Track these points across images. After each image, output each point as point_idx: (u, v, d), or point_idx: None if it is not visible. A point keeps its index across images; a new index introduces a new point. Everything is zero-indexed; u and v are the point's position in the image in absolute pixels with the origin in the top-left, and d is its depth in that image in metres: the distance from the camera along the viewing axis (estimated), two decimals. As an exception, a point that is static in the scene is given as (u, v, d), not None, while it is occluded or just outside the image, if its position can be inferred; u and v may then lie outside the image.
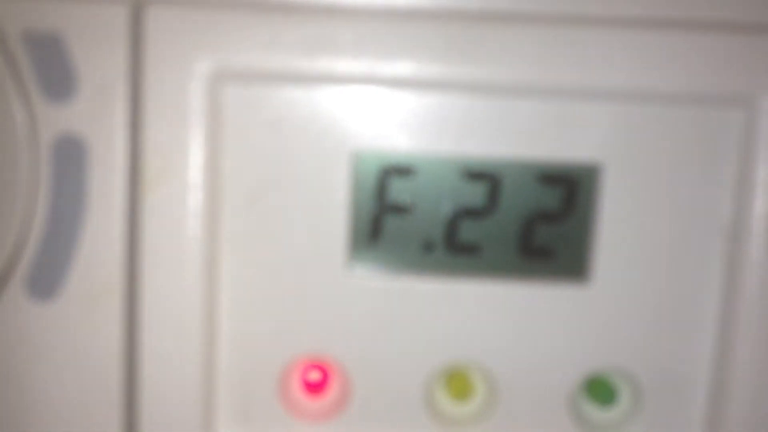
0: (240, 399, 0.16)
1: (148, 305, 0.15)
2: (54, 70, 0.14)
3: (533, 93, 0.15)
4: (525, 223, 0.16)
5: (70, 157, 0.14)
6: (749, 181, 0.15)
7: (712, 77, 0.14)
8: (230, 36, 0.14)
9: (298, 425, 0.16)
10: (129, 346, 0.15)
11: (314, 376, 0.16)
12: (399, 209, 0.16)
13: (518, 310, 0.16)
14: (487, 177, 0.16)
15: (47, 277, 0.14)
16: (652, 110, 0.15)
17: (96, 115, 0.14)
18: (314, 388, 0.16)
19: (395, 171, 0.16)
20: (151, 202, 0.15)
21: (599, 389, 0.16)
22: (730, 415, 0.15)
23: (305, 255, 0.16)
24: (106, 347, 0.15)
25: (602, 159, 0.15)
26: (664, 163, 0.15)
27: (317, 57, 0.15)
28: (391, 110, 0.15)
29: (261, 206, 0.15)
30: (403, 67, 0.15)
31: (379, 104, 0.15)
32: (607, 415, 0.16)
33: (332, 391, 0.16)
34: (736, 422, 0.15)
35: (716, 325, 0.15)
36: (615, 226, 0.16)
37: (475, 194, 0.16)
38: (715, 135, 0.15)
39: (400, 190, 0.16)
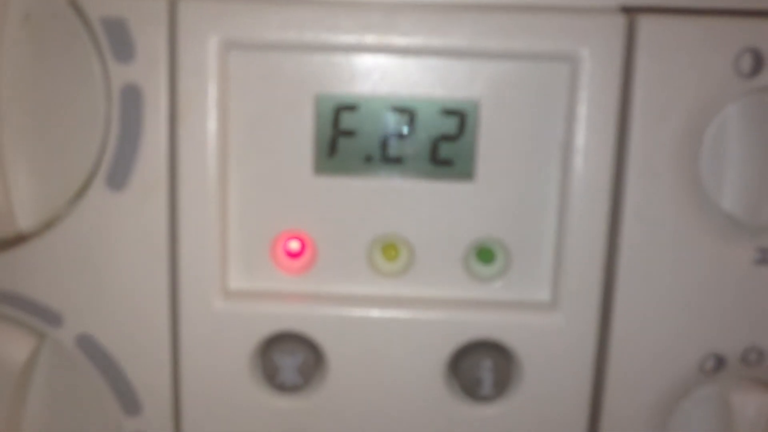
0: (244, 260, 0.24)
1: (184, 196, 0.22)
2: (121, 42, 0.21)
3: (436, 53, 0.22)
4: (433, 142, 0.23)
5: (132, 100, 0.22)
6: (574, 114, 0.22)
7: (543, 37, 0.22)
8: (233, 19, 0.22)
9: (284, 277, 0.24)
10: (172, 224, 0.23)
11: (294, 244, 0.24)
12: (348, 134, 0.23)
13: (430, 200, 0.23)
14: (407, 111, 0.23)
15: (119, 174, 0.22)
16: (509, 64, 0.22)
17: (148, 72, 0.22)
18: (294, 253, 0.24)
19: (345, 108, 0.23)
20: (184, 128, 0.22)
21: (484, 253, 0.24)
22: (569, 269, 0.23)
23: (285, 166, 0.23)
24: (156, 222, 0.23)
25: (481, 98, 0.23)
26: (521, 100, 0.23)
27: (294, 33, 0.22)
28: (342, 68, 0.23)
29: (256, 133, 0.23)
30: (348, 39, 0.22)
31: (334, 65, 0.23)
32: (489, 270, 0.24)
33: (306, 255, 0.24)
34: (572, 274, 0.23)
35: (556, 208, 0.23)
36: (491, 144, 0.23)
37: (399, 123, 0.23)
38: (551, 81, 0.22)
39: (349, 121, 0.23)
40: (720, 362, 0.23)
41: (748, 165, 0.21)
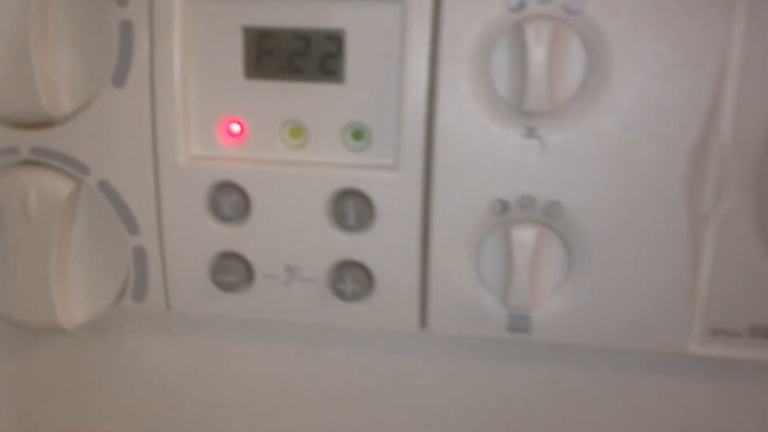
0: (201, 135, 0.36)
1: (159, 93, 0.35)
2: (118, -7, 0.34)
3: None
4: (321, 58, 0.35)
5: (127, 30, 0.34)
6: (405, 40, 0.33)
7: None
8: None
9: (226, 148, 0.36)
10: (153, 111, 0.35)
11: (235, 127, 0.36)
12: (267, 52, 0.35)
13: (320, 98, 0.35)
14: (304, 38, 0.35)
15: (120, 77, 0.34)
16: (367, 4, 0.33)
17: (137, 13, 0.34)
18: (233, 133, 0.36)
19: (264, 35, 0.35)
20: (158, 49, 0.34)
21: (356, 133, 0.35)
22: (405, 145, 0.34)
23: (226, 74, 0.35)
24: (143, 110, 0.35)
25: (347, 27, 0.34)
26: (377, 30, 0.34)
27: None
28: (261, 8, 0.34)
29: (206, 51, 0.35)
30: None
31: (255, 6, 0.34)
32: (358, 144, 0.35)
33: (241, 133, 0.36)
34: (406, 148, 0.34)
35: (397, 108, 0.34)
36: (356, 57, 0.34)
37: (300, 46, 0.35)
38: (393, 16, 0.33)
39: (267, 44, 0.35)
40: (504, 206, 0.33)
41: (516, 70, 0.32)
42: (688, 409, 0.36)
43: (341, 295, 0.36)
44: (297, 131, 0.36)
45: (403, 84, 0.33)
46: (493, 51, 0.32)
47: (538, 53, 0.31)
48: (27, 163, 0.37)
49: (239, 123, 0.36)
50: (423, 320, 0.36)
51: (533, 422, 0.38)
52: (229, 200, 0.36)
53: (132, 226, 0.37)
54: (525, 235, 0.34)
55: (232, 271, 0.37)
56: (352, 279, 0.36)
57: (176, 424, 0.42)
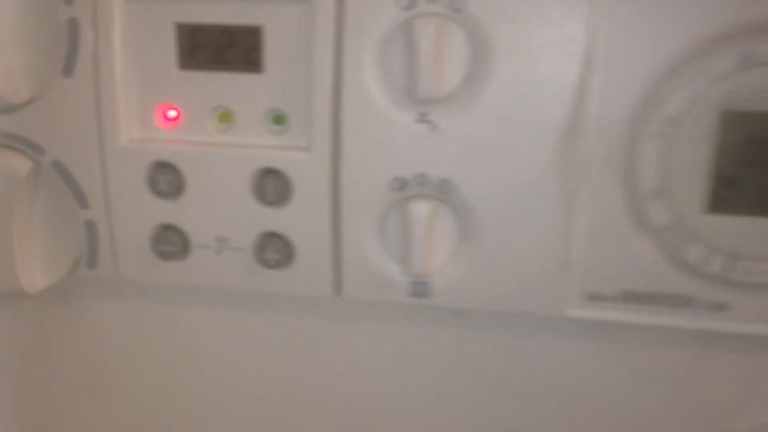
0: (141, 120, 0.40)
1: (102, 83, 0.39)
2: (66, -5, 0.38)
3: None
4: (245, 51, 0.39)
5: (74, 27, 0.39)
6: (311, 35, 0.37)
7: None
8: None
9: (163, 131, 0.40)
10: (97, 100, 0.40)
11: (171, 112, 0.40)
12: (199, 45, 0.39)
13: (244, 86, 0.39)
14: (229, 33, 0.39)
15: (69, 67, 0.39)
16: (281, 4, 0.37)
17: (82, 11, 0.38)
18: (170, 118, 0.41)
19: (195, 31, 0.39)
20: (100, 42, 0.39)
21: (277, 118, 0.39)
22: (314, 129, 0.38)
23: (162, 64, 0.40)
24: (89, 97, 0.40)
25: (265, 23, 0.38)
26: (290, 27, 0.38)
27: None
28: (193, 6, 0.39)
29: (145, 43, 0.39)
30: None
31: (187, 3, 0.39)
32: (278, 128, 0.39)
33: (178, 118, 0.40)
34: (316, 131, 0.38)
35: (309, 97, 0.38)
36: (274, 51, 0.38)
37: (226, 40, 0.39)
38: (303, 14, 0.37)
39: (199, 37, 0.39)
40: (402, 183, 0.37)
41: (409, 61, 0.36)
42: (572, 369, 0.40)
43: (265, 263, 0.40)
44: (225, 116, 0.40)
45: (312, 74, 0.37)
46: (390, 45, 0.36)
47: (424, 46, 0.35)
48: (-9, 144, 0.42)
49: (175, 109, 0.40)
50: (338, 287, 0.40)
51: (438, 381, 0.42)
52: (166, 178, 0.40)
53: (82, 201, 0.41)
54: (420, 209, 0.38)
55: (170, 241, 0.41)
56: (273, 249, 0.40)
57: (129, 382, 0.47)
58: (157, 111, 0.40)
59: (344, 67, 0.37)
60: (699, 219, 0.35)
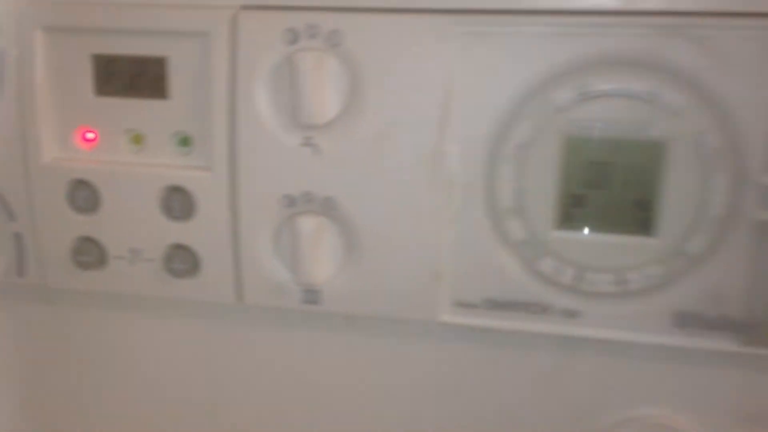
0: (61, 141, 0.44)
1: (27, 107, 0.43)
2: None
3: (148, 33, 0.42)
4: (153, 80, 0.43)
5: (0, 56, 0.43)
6: (212, 69, 0.41)
7: (191, 23, 0.41)
8: (54, 9, 0.42)
9: (82, 151, 0.44)
10: (22, 120, 0.44)
11: (90, 135, 0.44)
12: (112, 74, 0.43)
13: (153, 112, 0.43)
14: (138, 62, 0.43)
15: None
16: (179, 37, 0.41)
17: (8, 40, 0.43)
18: (88, 139, 0.44)
19: (109, 61, 0.43)
20: (27, 72, 0.43)
21: (182, 140, 0.43)
22: (215, 150, 0.42)
23: (81, 91, 0.44)
24: (14, 120, 0.44)
25: (169, 55, 0.42)
26: (191, 59, 0.42)
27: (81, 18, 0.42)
28: (108, 36, 0.43)
29: (63, 69, 0.43)
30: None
31: (103, 33, 0.43)
32: (185, 150, 0.43)
33: (95, 140, 0.44)
34: (215, 153, 0.42)
35: (210, 120, 0.42)
36: (178, 79, 0.42)
37: (135, 69, 0.43)
38: (200, 49, 0.41)
39: (112, 67, 0.43)
40: (291, 200, 0.41)
41: (294, 90, 0.40)
42: (447, 369, 0.43)
43: (173, 272, 0.44)
44: (137, 138, 0.44)
45: (210, 102, 0.41)
46: (278, 76, 0.40)
47: (304, 77, 0.39)
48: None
49: (92, 131, 0.44)
50: (240, 294, 0.44)
51: (331, 381, 0.46)
52: (84, 194, 0.44)
53: (10, 214, 0.45)
54: (306, 224, 0.41)
55: (89, 252, 0.45)
56: (180, 259, 0.44)
57: (54, 379, 0.50)
58: (76, 133, 0.44)
59: (238, 95, 0.41)
60: (550, 234, 0.39)
